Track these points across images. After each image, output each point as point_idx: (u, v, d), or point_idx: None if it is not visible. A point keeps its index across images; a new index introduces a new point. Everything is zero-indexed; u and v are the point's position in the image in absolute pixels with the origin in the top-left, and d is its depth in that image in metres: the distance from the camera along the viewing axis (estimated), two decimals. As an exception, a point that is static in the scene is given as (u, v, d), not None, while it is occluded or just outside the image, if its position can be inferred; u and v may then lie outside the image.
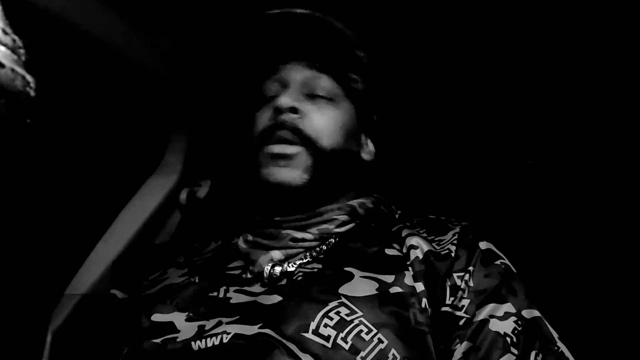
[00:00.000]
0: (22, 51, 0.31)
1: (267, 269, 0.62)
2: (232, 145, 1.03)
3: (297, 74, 0.69)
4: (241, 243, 0.68)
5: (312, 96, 0.68)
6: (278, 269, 0.62)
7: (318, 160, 0.64)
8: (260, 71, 0.73)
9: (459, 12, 0.78)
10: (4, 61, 0.29)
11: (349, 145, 0.69)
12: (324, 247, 0.64)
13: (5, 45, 0.29)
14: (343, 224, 0.66)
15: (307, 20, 0.68)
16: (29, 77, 0.30)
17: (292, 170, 0.63)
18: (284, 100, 0.65)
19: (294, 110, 0.65)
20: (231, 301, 0.59)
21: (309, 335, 0.51)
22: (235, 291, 0.60)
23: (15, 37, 0.30)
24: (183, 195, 0.96)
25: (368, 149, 0.75)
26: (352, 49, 0.70)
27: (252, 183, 0.68)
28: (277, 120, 0.65)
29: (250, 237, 0.67)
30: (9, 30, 0.30)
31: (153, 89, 0.87)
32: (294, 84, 0.68)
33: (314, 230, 0.65)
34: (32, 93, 0.31)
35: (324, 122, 0.66)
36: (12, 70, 0.29)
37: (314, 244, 0.64)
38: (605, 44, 0.80)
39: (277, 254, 0.63)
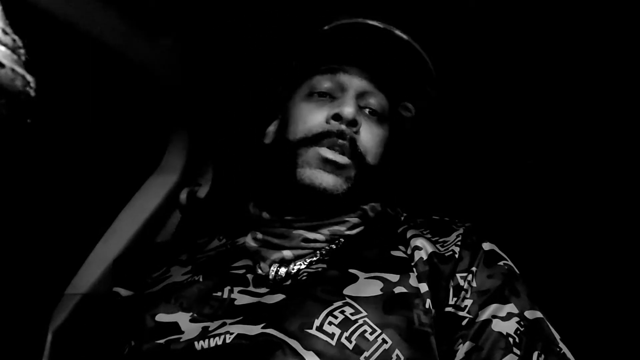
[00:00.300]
0: (22, 51, 0.31)
1: (273, 270, 0.62)
2: (242, 136, 1.02)
3: (357, 82, 0.68)
4: (250, 241, 0.67)
5: (365, 109, 0.68)
6: (283, 270, 0.62)
7: (361, 175, 0.65)
8: (308, 64, 0.71)
9: (460, 12, 0.78)
10: (4, 61, 0.29)
11: (384, 163, 0.70)
12: (334, 246, 0.64)
13: (5, 45, 0.29)
14: (354, 226, 0.66)
15: (399, 41, 0.66)
16: (29, 77, 0.30)
17: (337, 179, 0.63)
18: (349, 111, 0.64)
19: (354, 122, 0.65)
20: (235, 302, 0.58)
21: (313, 331, 0.51)
22: (239, 292, 0.60)
23: (15, 37, 0.30)
24: (183, 195, 0.96)
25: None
26: (425, 84, 0.69)
27: (281, 180, 0.66)
28: (336, 127, 0.64)
29: (260, 236, 0.67)
30: (9, 30, 0.30)
31: (153, 89, 0.87)
32: (351, 92, 0.67)
33: (326, 231, 0.65)
34: (32, 93, 0.31)
35: (372, 139, 0.67)
36: (12, 70, 0.29)
37: (324, 244, 0.65)
38: (605, 44, 0.80)
39: (288, 254, 0.63)
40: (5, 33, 0.30)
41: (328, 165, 0.63)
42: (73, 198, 0.81)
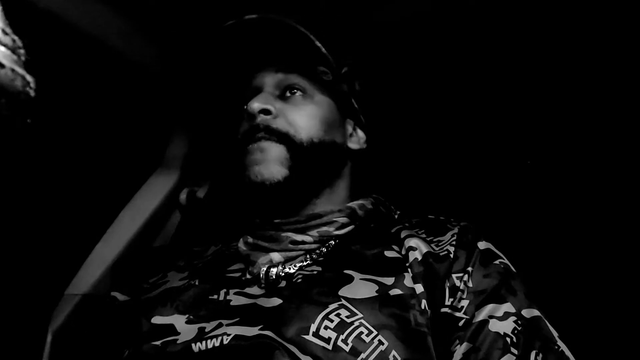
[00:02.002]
0: (22, 51, 0.31)
1: (263, 270, 0.62)
2: (229, 150, 1.03)
3: (269, 79, 0.71)
4: (241, 245, 0.68)
5: (285, 96, 0.70)
6: (274, 271, 0.62)
7: (295, 153, 0.65)
8: (239, 84, 0.75)
9: (459, 10, 0.78)
10: (4, 61, 0.29)
11: (330, 136, 0.69)
12: (324, 250, 0.64)
13: (5, 45, 0.29)
14: (343, 226, 0.66)
15: (261, 25, 0.69)
16: (29, 77, 0.30)
17: (269, 166, 0.63)
18: (254, 105, 0.66)
19: (265, 111, 0.66)
20: (231, 303, 0.58)
21: (310, 337, 0.51)
22: (235, 293, 0.60)
23: (15, 37, 0.30)
24: (183, 196, 0.96)
25: (357, 138, 0.76)
26: (312, 44, 0.69)
27: (242, 188, 0.69)
28: (251, 124, 0.66)
29: (250, 240, 0.67)
30: (9, 30, 0.30)
31: (153, 88, 0.87)
32: (266, 88, 0.70)
33: (314, 232, 0.65)
34: (32, 93, 0.31)
35: (299, 116, 0.67)
36: (12, 70, 0.29)
37: (313, 246, 0.64)
38: (606, 44, 0.80)
39: (276, 256, 0.63)
40: (5, 33, 0.30)
41: (255, 155, 0.64)
42: (73, 198, 0.81)
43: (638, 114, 0.87)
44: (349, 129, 0.75)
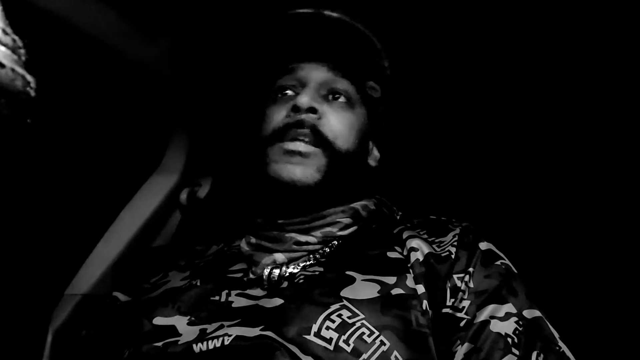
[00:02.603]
0: (22, 51, 0.30)
1: (266, 272, 0.62)
2: (236, 143, 1.02)
3: (317, 74, 0.69)
4: (244, 245, 0.67)
5: (329, 98, 0.68)
6: (277, 272, 0.62)
7: (332, 162, 0.64)
8: (275, 66, 0.73)
9: (459, 11, 0.78)
10: (4, 61, 0.29)
11: (360, 149, 0.69)
12: (327, 250, 0.64)
13: (5, 45, 0.29)
14: (346, 227, 0.66)
15: (333, 22, 0.67)
16: (29, 77, 0.30)
17: (305, 169, 0.62)
18: (304, 100, 0.64)
19: (313, 110, 0.65)
20: (233, 305, 0.58)
21: (311, 337, 0.51)
22: (237, 295, 0.60)
23: (15, 37, 0.30)
24: (183, 195, 0.96)
25: (374, 155, 0.76)
26: (377, 58, 0.70)
27: (258, 181, 0.67)
28: (295, 118, 0.64)
29: (253, 240, 0.67)
30: (9, 30, 0.30)
31: (153, 89, 0.87)
32: (312, 84, 0.68)
33: (318, 233, 0.64)
34: (32, 93, 0.31)
35: (341, 124, 0.66)
36: (12, 70, 0.29)
37: (317, 247, 0.64)
38: (606, 44, 0.80)
39: (280, 257, 0.63)
40: (5, 33, 0.30)
41: (293, 157, 0.62)
42: (73, 198, 0.81)
43: (638, 114, 0.87)
44: (370, 145, 0.75)
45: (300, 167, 0.62)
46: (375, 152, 0.76)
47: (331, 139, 0.65)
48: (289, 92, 0.69)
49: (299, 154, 0.63)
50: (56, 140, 0.76)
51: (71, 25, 0.66)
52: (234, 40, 0.83)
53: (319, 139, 0.64)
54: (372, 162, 0.75)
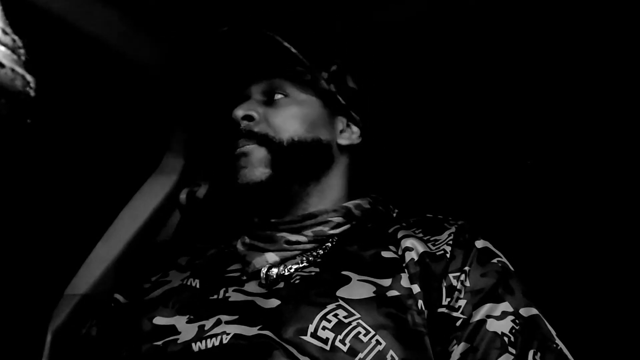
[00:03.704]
0: (22, 51, 0.30)
1: (264, 270, 0.62)
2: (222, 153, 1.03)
3: (255, 86, 0.74)
4: (239, 245, 0.69)
5: (270, 101, 0.72)
6: (274, 271, 0.62)
7: (276, 153, 0.66)
8: (232, 95, 0.77)
9: (459, 9, 0.78)
10: (4, 61, 0.29)
11: (313, 134, 0.70)
12: (321, 251, 0.64)
13: (5, 45, 0.29)
14: (338, 225, 0.66)
15: (234, 35, 0.71)
16: (29, 77, 0.30)
17: (252, 169, 0.66)
18: (237, 112, 0.69)
19: (248, 117, 0.69)
20: (230, 299, 0.59)
21: (308, 338, 0.51)
22: (233, 291, 0.61)
23: (15, 37, 0.30)
24: (183, 195, 0.96)
25: (349, 134, 0.75)
26: (278, 44, 0.70)
27: (232, 190, 0.71)
28: (235, 132, 0.69)
29: (247, 240, 0.68)
30: (9, 30, 0.30)
31: (153, 88, 0.87)
32: (253, 95, 0.73)
33: (309, 232, 0.65)
34: (32, 93, 0.31)
35: (279, 118, 0.69)
36: (12, 70, 0.29)
37: (309, 246, 0.65)
38: (605, 44, 0.80)
39: (271, 257, 0.64)
40: (5, 33, 0.30)
41: (239, 160, 0.67)
42: (73, 198, 0.81)
43: (638, 114, 0.87)
44: (340, 125, 0.75)
45: (248, 168, 0.66)
46: (353, 129, 0.76)
47: (271, 134, 0.68)
48: None
49: (243, 154, 0.67)
50: (56, 141, 0.76)
51: (71, 25, 0.66)
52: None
53: (258, 138, 0.67)
54: (344, 141, 0.74)
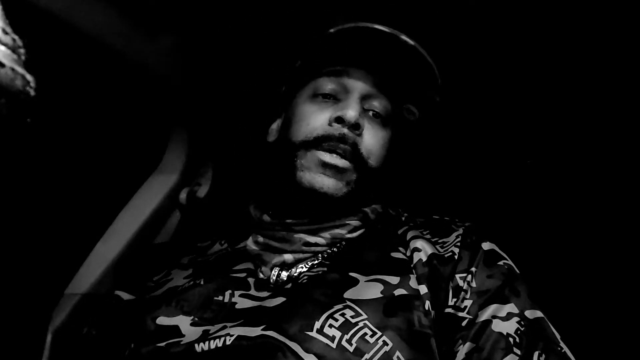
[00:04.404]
0: (22, 51, 0.30)
1: (274, 274, 0.62)
2: (242, 138, 1.01)
3: (362, 85, 0.67)
4: (251, 244, 0.67)
5: (368, 112, 0.67)
6: (285, 274, 0.62)
7: (362, 178, 0.64)
8: (312, 64, 0.70)
9: (459, 11, 0.78)
10: (4, 61, 0.29)
11: (386, 166, 0.69)
12: (335, 249, 0.64)
13: (5, 45, 0.29)
14: (355, 229, 0.66)
15: (397, 41, 0.64)
16: (29, 77, 0.30)
17: (337, 183, 0.62)
18: (352, 114, 0.63)
19: (357, 126, 0.64)
20: (236, 306, 0.58)
21: (313, 333, 0.51)
22: (240, 296, 0.60)
23: (15, 37, 0.30)
24: (183, 195, 0.96)
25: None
26: (430, 90, 0.69)
27: (282, 183, 0.67)
28: (339, 131, 0.63)
29: (261, 239, 0.66)
30: (9, 30, 0.30)
31: (153, 88, 0.87)
32: (356, 94, 0.66)
33: (326, 234, 0.64)
34: (32, 93, 0.31)
35: (375, 142, 0.66)
36: (12, 69, 0.29)
37: (324, 248, 0.64)
38: (605, 44, 0.80)
39: (289, 258, 0.63)
40: (5, 33, 0.30)
41: (328, 169, 0.62)
42: (73, 198, 0.80)
43: (638, 114, 0.87)
44: None
45: (334, 180, 0.62)
46: None
47: (365, 157, 0.64)
48: (332, 94, 0.67)
49: (335, 168, 0.62)
50: (56, 140, 0.76)
51: (71, 25, 0.66)
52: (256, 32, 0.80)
53: (356, 156, 0.64)
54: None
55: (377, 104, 0.67)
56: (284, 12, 0.79)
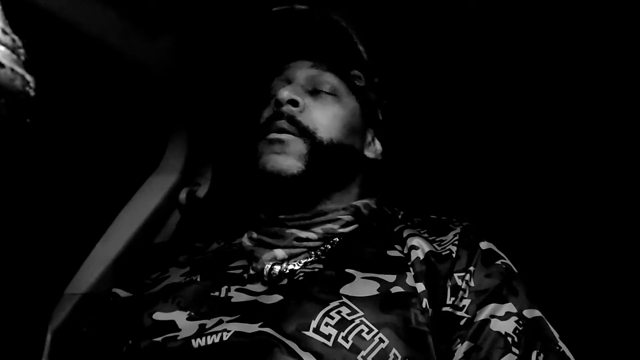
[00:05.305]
0: (21, 51, 0.30)
1: (267, 267, 0.62)
2: (235, 143, 1.02)
3: (301, 72, 0.70)
4: (245, 241, 0.68)
5: (315, 92, 0.69)
6: (277, 268, 0.62)
7: (314, 150, 0.64)
8: (267, 71, 0.74)
9: (460, 11, 0.78)
10: (4, 61, 0.29)
11: (349, 140, 0.69)
12: (329, 246, 0.64)
13: (5, 45, 0.29)
14: (347, 224, 0.66)
15: (308, 17, 0.69)
16: (28, 77, 0.30)
17: (287, 158, 0.63)
18: (284, 93, 0.65)
19: (293, 102, 0.66)
20: (232, 300, 0.59)
21: (310, 333, 0.51)
22: (236, 290, 0.60)
23: (15, 37, 0.30)
24: (183, 195, 0.96)
25: (374, 148, 0.75)
26: (354, 46, 0.70)
27: (252, 175, 0.68)
28: (276, 111, 0.66)
29: (254, 235, 0.67)
30: (8, 30, 0.30)
31: (153, 88, 0.87)
32: (297, 81, 0.70)
33: (318, 229, 0.65)
34: (32, 93, 0.31)
35: (323, 115, 0.67)
36: (12, 70, 0.29)
37: (317, 243, 0.64)
38: (605, 44, 0.80)
39: (280, 253, 0.63)
40: (5, 33, 0.30)
41: (274, 145, 0.64)
42: (73, 198, 0.80)
43: (638, 114, 0.87)
44: (369, 137, 0.75)
45: (283, 156, 0.63)
46: (377, 145, 0.76)
47: (311, 129, 0.65)
48: (277, 91, 0.70)
49: (278, 141, 0.64)
50: (56, 140, 0.76)
51: (71, 25, 0.66)
52: (226, 47, 0.83)
53: (298, 128, 0.65)
54: (370, 154, 0.74)
55: (319, 81, 0.70)
56: (284, 11, 0.79)
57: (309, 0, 0.69)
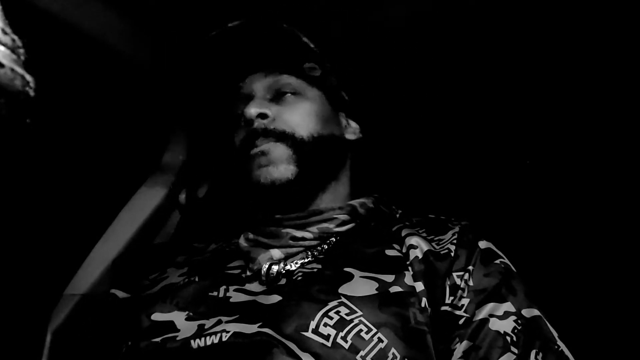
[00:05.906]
0: (21, 51, 0.30)
1: (265, 267, 0.62)
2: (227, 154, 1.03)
3: (258, 84, 0.71)
4: (242, 242, 0.68)
5: (278, 98, 0.70)
6: (275, 268, 0.62)
7: (298, 149, 0.65)
8: (229, 93, 0.75)
9: (459, 9, 0.78)
10: (4, 61, 0.29)
11: (328, 130, 0.70)
12: (324, 247, 0.64)
13: (5, 45, 0.29)
14: (343, 223, 0.66)
15: (243, 32, 0.70)
16: (28, 77, 0.30)
17: (276, 167, 0.64)
18: (251, 111, 0.66)
19: (262, 115, 0.67)
20: (231, 300, 0.59)
21: (309, 334, 0.51)
22: (235, 290, 0.60)
23: (15, 37, 0.30)
24: (182, 195, 0.96)
25: (352, 129, 0.77)
26: (298, 40, 0.71)
27: (250, 190, 0.69)
28: (249, 130, 0.66)
29: (251, 236, 0.67)
30: (8, 30, 0.30)
31: (152, 88, 0.87)
32: (258, 93, 0.71)
33: (314, 229, 0.65)
34: (32, 93, 0.31)
35: (295, 115, 0.68)
36: (12, 70, 0.29)
37: (313, 243, 0.64)
38: (605, 44, 0.80)
39: (276, 253, 0.63)
40: (5, 33, 0.30)
41: (260, 158, 0.64)
42: (73, 198, 0.81)
43: (638, 114, 0.87)
44: (343, 120, 0.76)
45: (271, 166, 0.64)
46: (352, 125, 0.77)
47: (289, 132, 0.66)
48: (241, 110, 0.71)
49: (262, 153, 0.64)
50: (55, 140, 0.76)
51: (71, 25, 0.66)
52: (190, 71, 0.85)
53: (274, 136, 0.65)
54: (351, 136, 0.75)
55: (278, 85, 0.70)
56: (284, 12, 0.79)
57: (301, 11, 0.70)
